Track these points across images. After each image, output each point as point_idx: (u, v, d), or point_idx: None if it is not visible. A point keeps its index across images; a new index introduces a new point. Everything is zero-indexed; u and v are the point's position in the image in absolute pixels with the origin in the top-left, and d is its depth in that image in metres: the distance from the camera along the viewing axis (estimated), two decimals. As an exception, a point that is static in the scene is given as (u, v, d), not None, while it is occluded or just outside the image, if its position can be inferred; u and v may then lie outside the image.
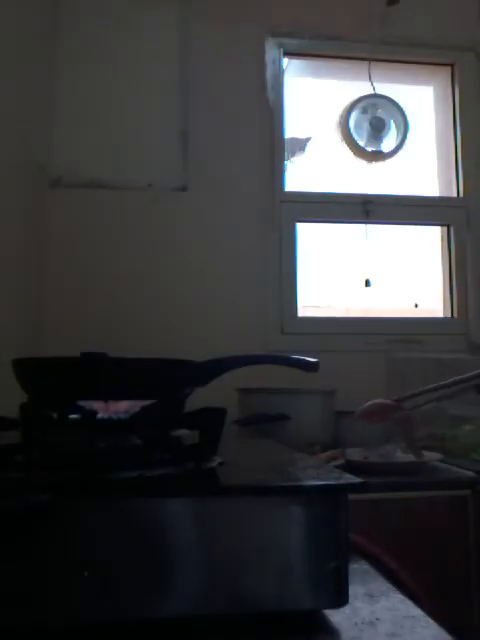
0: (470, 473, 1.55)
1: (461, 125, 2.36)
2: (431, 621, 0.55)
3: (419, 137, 2.37)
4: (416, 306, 2.33)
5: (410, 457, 1.63)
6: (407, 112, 2.33)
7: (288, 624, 0.52)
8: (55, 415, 0.63)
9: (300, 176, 2.30)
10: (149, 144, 2.15)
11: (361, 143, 2.31)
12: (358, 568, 0.70)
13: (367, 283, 2.26)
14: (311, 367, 0.75)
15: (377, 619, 0.55)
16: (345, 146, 2.33)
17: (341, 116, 2.33)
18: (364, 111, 2.32)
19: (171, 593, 0.50)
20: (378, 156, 2.32)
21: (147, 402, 0.64)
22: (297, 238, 2.22)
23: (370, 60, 2.29)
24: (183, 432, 0.66)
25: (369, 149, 2.31)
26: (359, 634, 0.52)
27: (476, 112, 2.36)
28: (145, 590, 0.50)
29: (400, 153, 2.33)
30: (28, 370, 0.69)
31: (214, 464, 0.61)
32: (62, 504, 0.49)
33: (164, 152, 2.16)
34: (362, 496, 1.26)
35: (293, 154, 2.32)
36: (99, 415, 0.63)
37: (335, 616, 0.55)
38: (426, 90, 2.46)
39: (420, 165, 2.39)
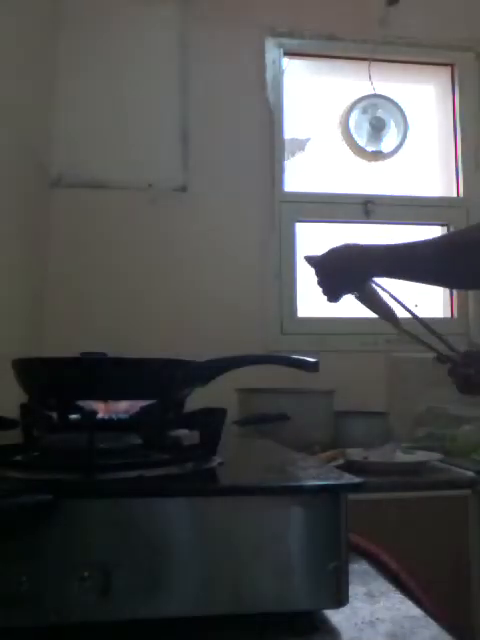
0: (470, 473, 1.55)
1: (461, 125, 2.36)
2: (431, 621, 0.55)
3: (419, 137, 2.37)
4: (416, 306, 2.33)
5: (410, 457, 1.63)
6: (407, 112, 2.33)
7: (288, 624, 0.52)
8: (55, 415, 0.63)
9: (300, 176, 2.29)
10: (149, 144, 2.15)
11: (361, 143, 2.31)
12: (358, 568, 0.70)
13: (367, 283, 2.25)
14: (311, 367, 0.75)
15: (377, 619, 0.55)
16: (345, 146, 2.33)
17: (341, 116, 2.33)
18: (364, 111, 2.32)
19: (171, 593, 0.50)
20: (378, 156, 2.32)
21: (147, 402, 0.64)
22: (297, 238, 2.22)
23: (370, 60, 2.29)
24: (183, 432, 0.66)
25: (369, 149, 2.31)
26: (359, 634, 0.52)
27: (476, 112, 2.36)
28: (145, 590, 0.50)
29: (400, 153, 2.33)
30: (28, 370, 0.69)
31: (214, 464, 0.61)
32: (62, 504, 0.49)
33: (164, 152, 2.16)
34: (362, 496, 1.26)
35: (293, 154, 2.32)
36: (99, 415, 0.63)
37: (335, 616, 0.55)
38: (426, 90, 2.46)
39: (420, 165, 2.39)
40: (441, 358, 1.17)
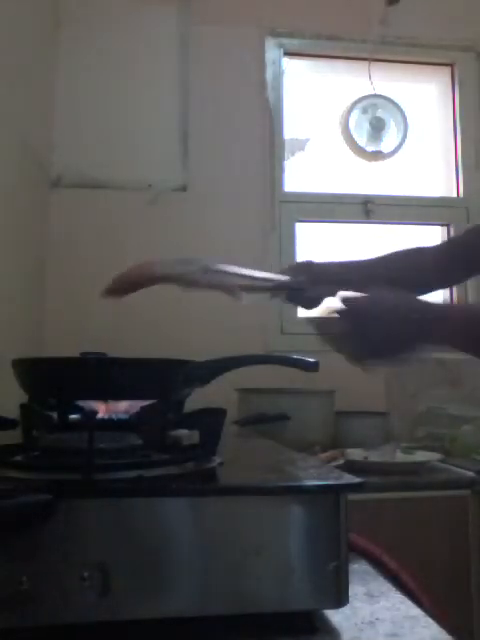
0: (470, 473, 1.55)
1: (461, 125, 2.36)
2: (431, 621, 0.55)
3: (419, 137, 2.37)
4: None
5: (410, 457, 1.63)
6: (407, 112, 2.33)
7: (288, 624, 0.52)
8: (55, 415, 0.63)
9: (300, 176, 2.29)
10: (149, 144, 2.15)
11: (361, 143, 2.31)
12: (358, 568, 0.70)
13: (367, 283, 2.25)
14: (311, 367, 0.75)
15: (377, 619, 0.55)
16: (345, 146, 2.33)
17: (341, 116, 2.33)
18: (364, 111, 2.32)
19: (171, 593, 0.50)
20: (378, 156, 2.32)
21: (147, 402, 0.64)
22: (297, 238, 2.22)
23: (370, 60, 2.29)
24: (183, 432, 0.66)
25: (369, 149, 2.31)
26: (359, 634, 0.52)
27: (476, 112, 2.36)
28: (145, 590, 0.50)
29: (400, 153, 2.33)
30: (28, 370, 0.69)
31: (214, 464, 0.61)
32: (62, 504, 0.49)
33: (164, 152, 2.16)
34: (362, 496, 1.26)
35: (293, 154, 2.32)
36: (99, 415, 0.63)
37: (335, 616, 0.55)
38: (427, 89, 2.46)
39: (420, 165, 2.38)
40: (273, 293, 1.06)
